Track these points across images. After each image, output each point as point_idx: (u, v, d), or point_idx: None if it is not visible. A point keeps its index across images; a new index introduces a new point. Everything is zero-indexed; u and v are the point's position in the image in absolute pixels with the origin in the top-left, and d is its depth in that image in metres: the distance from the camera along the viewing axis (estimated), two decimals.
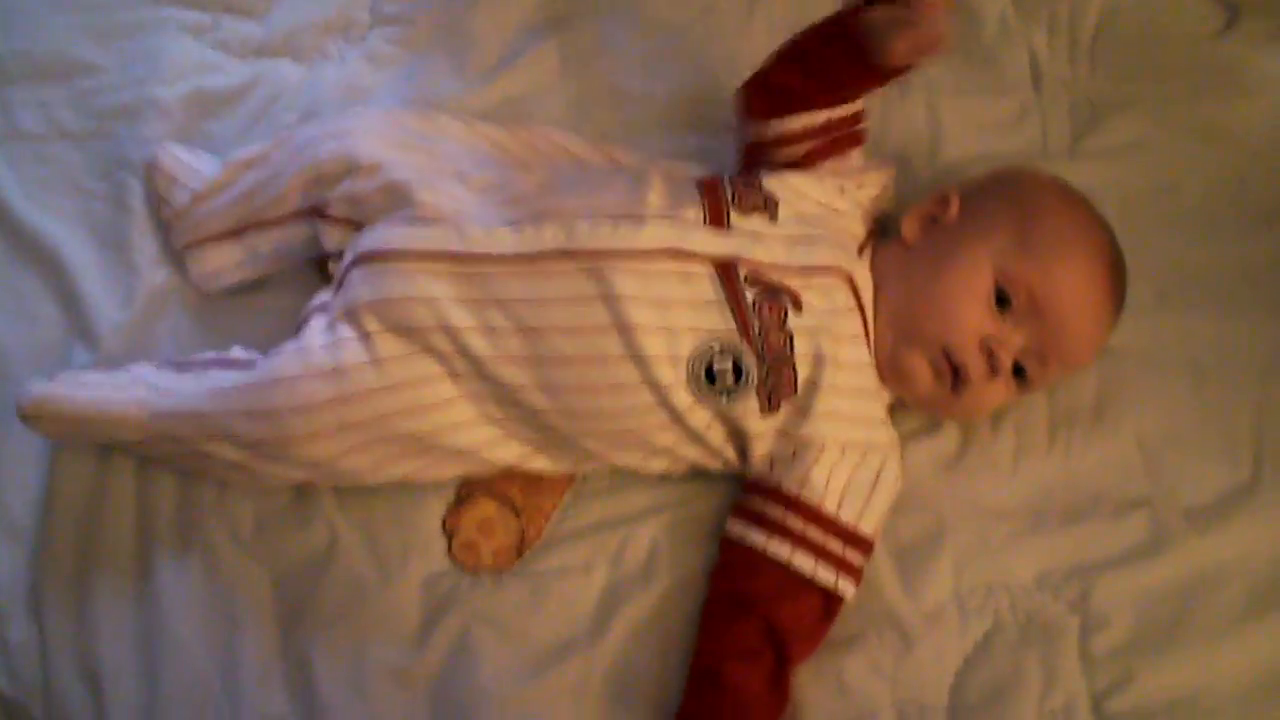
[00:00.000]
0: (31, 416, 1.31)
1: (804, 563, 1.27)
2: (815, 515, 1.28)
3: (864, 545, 1.30)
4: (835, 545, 1.28)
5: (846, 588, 1.28)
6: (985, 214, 1.35)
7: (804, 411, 1.29)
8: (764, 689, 1.26)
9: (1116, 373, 1.44)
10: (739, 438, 1.31)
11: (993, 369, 1.30)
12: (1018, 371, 1.33)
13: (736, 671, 1.25)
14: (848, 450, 1.30)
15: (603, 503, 1.39)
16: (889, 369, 1.33)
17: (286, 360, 1.28)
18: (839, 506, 1.28)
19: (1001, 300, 1.30)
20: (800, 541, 1.27)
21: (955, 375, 1.31)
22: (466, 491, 1.38)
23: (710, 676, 1.26)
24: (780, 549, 1.27)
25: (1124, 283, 1.36)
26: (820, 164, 1.40)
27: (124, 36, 1.65)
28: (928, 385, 1.32)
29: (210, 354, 1.37)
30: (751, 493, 1.32)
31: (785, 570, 1.27)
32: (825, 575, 1.27)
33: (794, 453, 1.30)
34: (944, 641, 1.31)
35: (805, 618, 1.28)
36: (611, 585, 1.35)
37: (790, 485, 1.29)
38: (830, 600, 1.28)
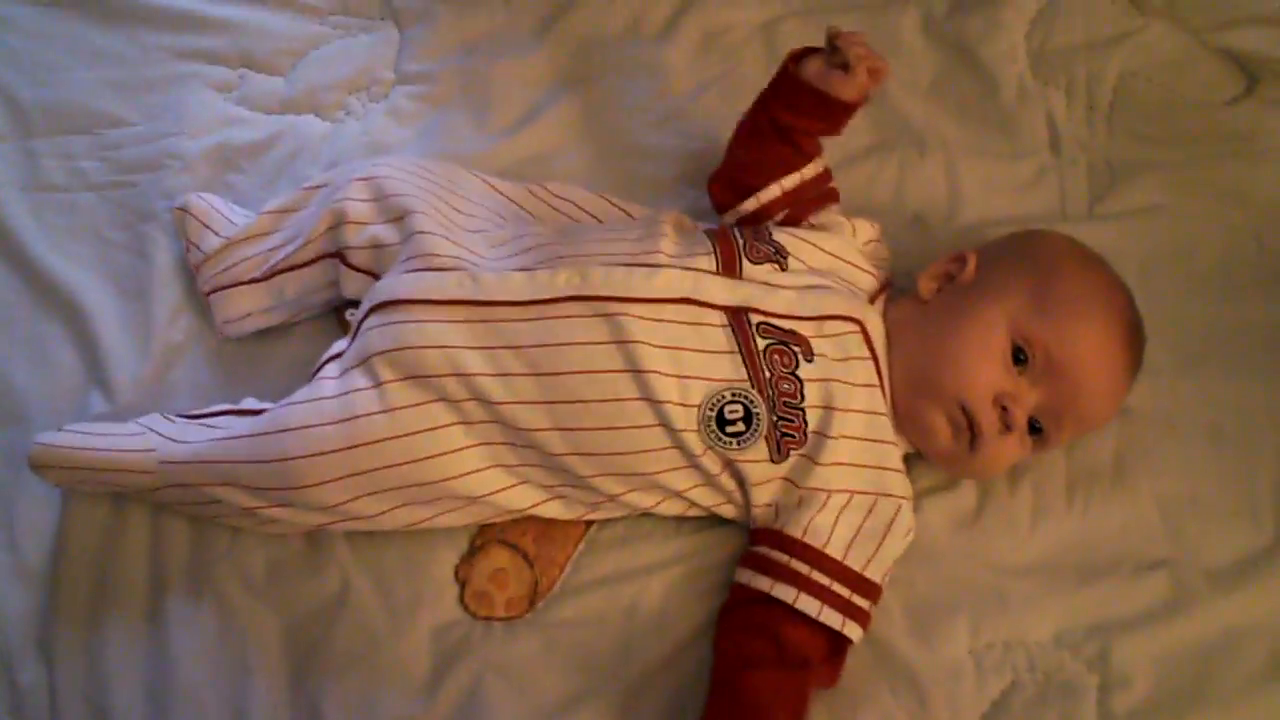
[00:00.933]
0: (40, 465, 1.32)
1: (809, 605, 1.26)
2: (820, 560, 1.27)
3: (872, 591, 1.29)
4: (841, 589, 1.27)
5: (854, 630, 1.27)
6: (1002, 273, 1.36)
7: (812, 461, 1.29)
8: (783, 696, 1.25)
9: (1135, 434, 1.44)
10: (743, 486, 1.31)
11: (1006, 425, 1.30)
12: (1035, 430, 1.33)
13: (753, 678, 1.24)
14: (856, 498, 1.30)
15: (616, 554, 1.38)
16: (906, 422, 1.33)
17: (298, 409, 1.29)
18: (845, 552, 1.28)
19: (1019, 358, 1.30)
20: (805, 585, 1.26)
21: (971, 430, 1.30)
22: (480, 541, 1.38)
23: (728, 686, 1.25)
24: (785, 592, 1.26)
25: (1142, 344, 1.36)
26: (801, 222, 1.44)
27: (150, 91, 1.68)
28: (945, 439, 1.32)
29: (221, 405, 1.38)
30: (758, 541, 1.31)
31: (790, 611, 1.26)
32: (831, 618, 1.26)
33: (799, 501, 1.30)
34: (960, 699, 1.30)
35: (814, 648, 1.26)
36: (625, 637, 1.34)
37: (794, 531, 1.28)
38: (838, 641, 1.27)
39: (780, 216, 1.44)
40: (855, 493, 1.30)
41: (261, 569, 1.36)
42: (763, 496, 1.31)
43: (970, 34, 1.70)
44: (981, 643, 1.33)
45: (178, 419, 1.37)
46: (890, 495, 1.31)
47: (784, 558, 1.27)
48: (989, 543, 1.38)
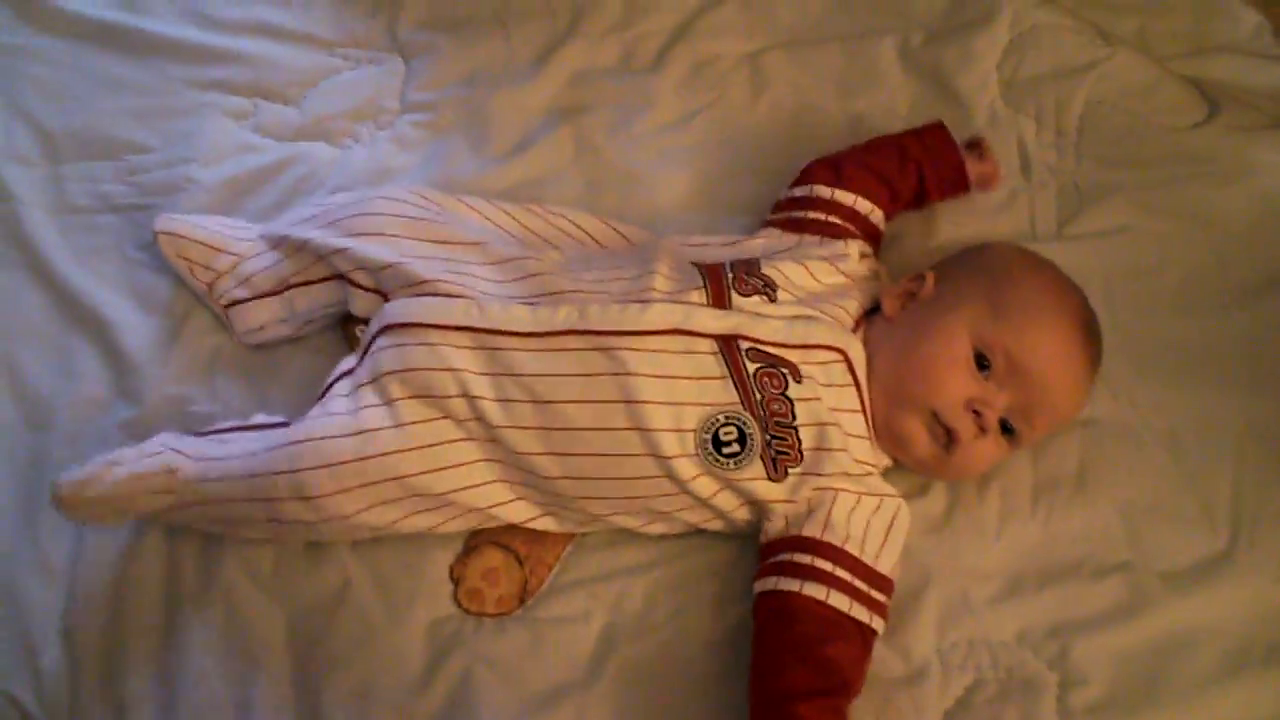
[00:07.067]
0: (67, 505, 1.33)
1: (840, 601, 1.29)
2: (841, 556, 1.31)
3: (886, 585, 1.33)
4: (862, 585, 1.31)
5: (879, 624, 1.32)
6: (958, 286, 1.42)
7: (814, 475, 1.34)
8: None
9: (1098, 443, 1.48)
10: (755, 504, 1.36)
11: (981, 429, 1.35)
12: (1007, 430, 1.38)
13: (807, 711, 1.24)
14: (863, 498, 1.35)
15: (602, 556, 1.44)
16: (886, 433, 1.39)
17: (311, 423, 1.35)
18: (861, 548, 1.32)
19: (982, 364, 1.36)
20: (832, 581, 1.30)
21: (948, 435, 1.36)
22: (474, 542, 1.43)
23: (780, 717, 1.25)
24: (816, 590, 1.29)
25: (1098, 338, 1.42)
26: (824, 238, 1.50)
27: (170, 119, 1.73)
28: (925, 446, 1.38)
29: (233, 421, 1.43)
30: (773, 551, 1.35)
31: (824, 608, 1.29)
32: (860, 612, 1.30)
33: (809, 508, 1.34)
34: (925, 697, 1.34)
35: (851, 654, 1.29)
36: (608, 634, 1.39)
37: (812, 531, 1.32)
38: (866, 636, 1.31)
39: (829, 219, 1.51)
40: (860, 494, 1.35)
41: (268, 565, 1.41)
42: (776, 515, 1.36)
43: (945, 64, 1.75)
44: (947, 642, 1.37)
45: (190, 437, 1.41)
46: (890, 495, 1.37)
47: (807, 558, 1.31)
48: (957, 545, 1.42)
